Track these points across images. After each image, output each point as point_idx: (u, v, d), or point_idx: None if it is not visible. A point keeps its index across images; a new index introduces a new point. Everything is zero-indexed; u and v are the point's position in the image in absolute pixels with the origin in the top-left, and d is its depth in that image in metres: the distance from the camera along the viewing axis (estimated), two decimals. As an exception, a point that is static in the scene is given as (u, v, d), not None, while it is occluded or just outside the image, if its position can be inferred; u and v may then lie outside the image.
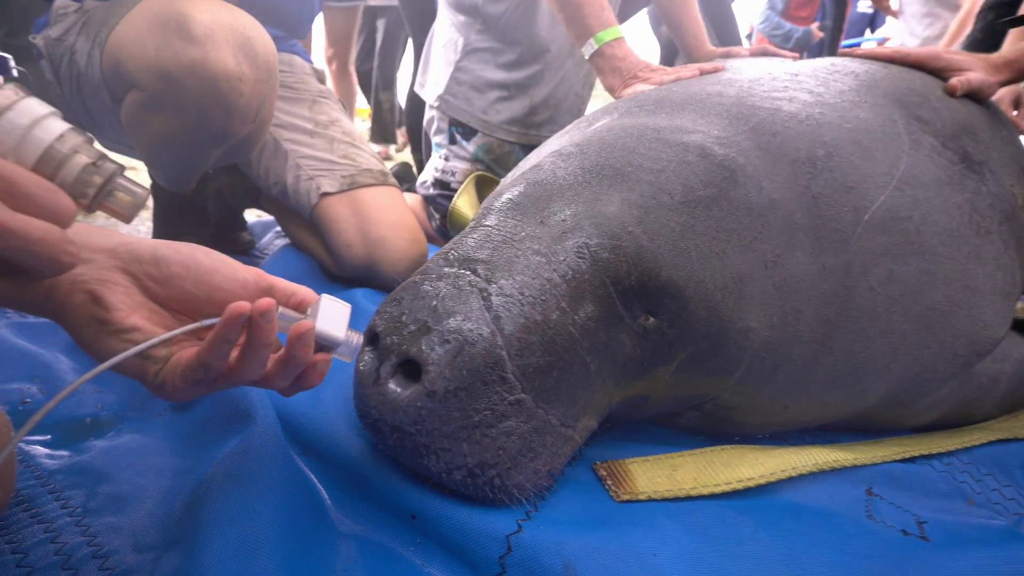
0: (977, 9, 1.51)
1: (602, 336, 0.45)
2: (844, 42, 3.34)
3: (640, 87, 0.79)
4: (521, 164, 0.67)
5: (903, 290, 0.52)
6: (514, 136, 1.15)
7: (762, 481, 0.50)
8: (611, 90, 0.86)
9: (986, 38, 1.38)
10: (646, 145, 0.52)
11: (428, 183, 1.19)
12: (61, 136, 0.30)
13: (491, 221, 0.48)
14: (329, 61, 2.22)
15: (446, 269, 0.44)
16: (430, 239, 1.22)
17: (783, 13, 3.16)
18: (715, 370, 0.50)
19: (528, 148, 1.18)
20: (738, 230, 0.49)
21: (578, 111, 1.25)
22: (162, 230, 0.96)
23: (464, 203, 0.82)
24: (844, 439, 0.61)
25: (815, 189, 0.53)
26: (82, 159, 0.30)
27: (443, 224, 1.19)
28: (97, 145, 0.32)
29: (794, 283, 0.50)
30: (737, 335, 0.48)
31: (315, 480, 0.48)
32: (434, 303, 0.42)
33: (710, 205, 0.48)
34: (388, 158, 2.89)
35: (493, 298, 0.42)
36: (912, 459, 0.56)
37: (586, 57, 0.88)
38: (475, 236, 0.47)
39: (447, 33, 1.17)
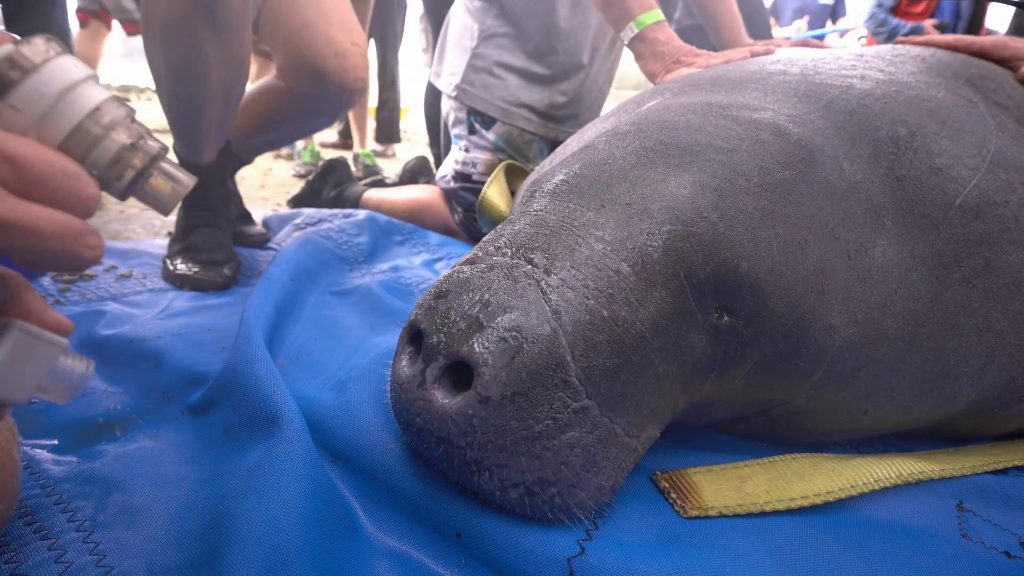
0: None
1: (672, 335, 0.40)
2: (805, 34, 3.24)
3: (685, 71, 0.74)
4: (561, 149, 0.63)
5: (1001, 283, 0.47)
6: (533, 126, 1.10)
7: (842, 495, 0.45)
8: (652, 76, 0.81)
9: None
10: (712, 123, 0.47)
11: (448, 176, 1.14)
12: (96, 109, 0.24)
13: (543, 205, 0.43)
14: None
15: (497, 258, 0.39)
16: (453, 233, 1.17)
17: (893, 9, 3.01)
18: (791, 373, 0.45)
19: (549, 141, 1.13)
20: (819, 216, 0.44)
21: (599, 108, 1.21)
22: (185, 222, 0.92)
23: (495, 192, 0.77)
24: (919, 447, 0.56)
25: (899, 171, 0.48)
26: (120, 138, 0.25)
27: (466, 218, 1.14)
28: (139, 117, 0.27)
29: (880, 275, 0.45)
30: (818, 334, 0.43)
31: (348, 492, 0.44)
32: (486, 296, 0.37)
33: (789, 189, 0.43)
34: (394, 157, 2.83)
35: (553, 291, 0.37)
36: (1004, 470, 0.51)
37: (625, 42, 0.83)
38: (526, 221, 0.42)
39: (462, 20, 1.12)
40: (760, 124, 0.46)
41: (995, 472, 0.50)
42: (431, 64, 1.27)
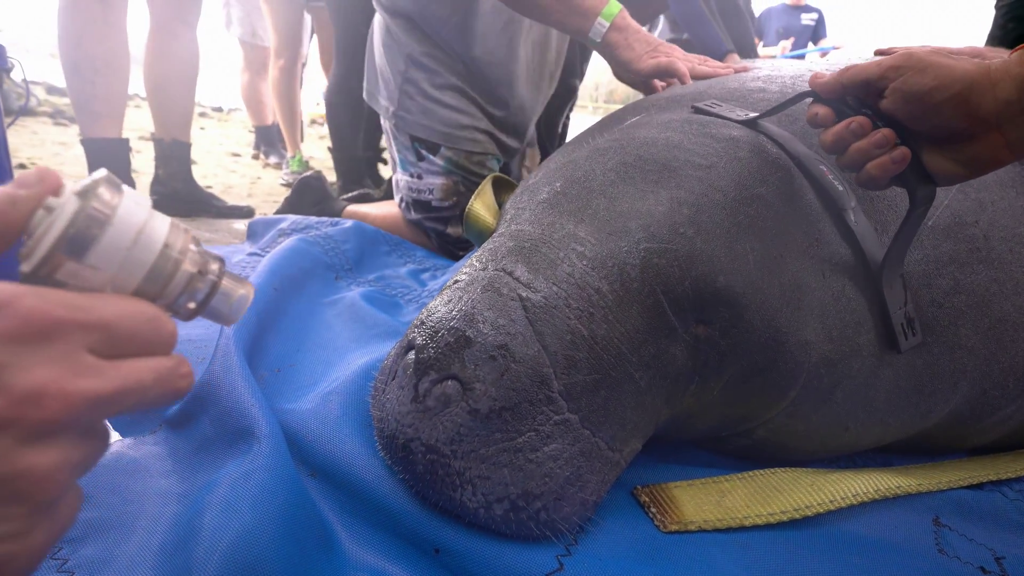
0: None
1: (651, 349, 0.40)
2: (788, 54, 3.32)
3: (664, 60, 0.75)
4: (546, 163, 0.63)
5: (971, 301, 0.48)
6: (481, 146, 1.05)
7: (821, 509, 0.45)
8: (632, 61, 0.79)
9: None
10: (691, 139, 0.48)
11: (406, 205, 1.09)
12: (165, 247, 0.23)
13: (526, 220, 0.44)
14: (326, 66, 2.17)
15: (481, 273, 0.40)
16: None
17: None
18: (768, 387, 0.45)
19: (504, 152, 1.09)
20: (795, 234, 0.45)
21: (536, 112, 1.16)
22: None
23: (481, 205, 0.77)
24: (898, 461, 0.57)
25: (873, 192, 0.49)
26: (187, 270, 0.24)
27: (441, 243, 1.10)
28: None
29: (853, 293, 0.46)
30: (794, 349, 0.44)
31: (326, 506, 0.43)
32: (475, 314, 0.37)
33: (766, 205, 0.44)
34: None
35: (538, 310, 0.37)
36: (980, 485, 0.51)
37: (597, 40, 0.82)
38: (510, 236, 0.42)
39: (386, 42, 1.05)
40: (738, 142, 0.47)
41: (970, 487, 0.51)
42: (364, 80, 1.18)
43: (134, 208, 0.23)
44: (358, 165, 1.84)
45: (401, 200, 1.12)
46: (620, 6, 0.82)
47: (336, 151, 1.82)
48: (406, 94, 1.04)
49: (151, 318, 0.23)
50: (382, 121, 1.14)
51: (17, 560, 0.19)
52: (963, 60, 0.39)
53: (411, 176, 1.08)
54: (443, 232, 1.09)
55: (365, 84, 1.16)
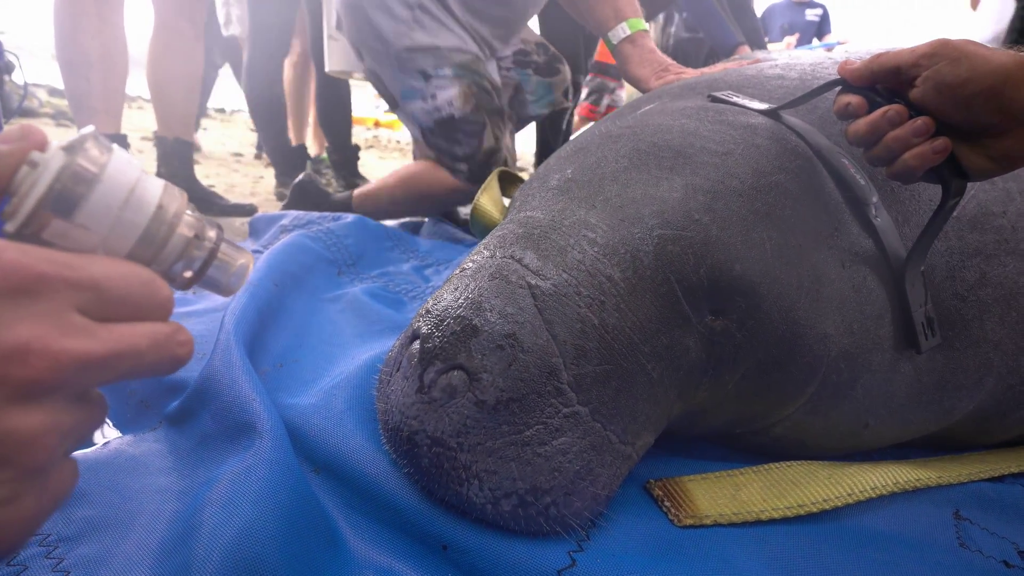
0: None
1: (664, 340, 0.39)
2: (794, 50, 3.31)
3: (672, 79, 0.74)
4: (557, 153, 0.62)
5: (998, 294, 0.47)
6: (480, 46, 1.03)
7: (839, 503, 0.44)
8: (641, 80, 0.80)
9: None
10: (707, 126, 0.46)
11: (431, 130, 1.05)
12: (159, 209, 0.23)
13: (535, 207, 0.43)
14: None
15: (489, 260, 0.38)
16: (453, 195, 1.12)
17: None
18: (785, 382, 0.44)
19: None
20: (814, 223, 0.43)
21: None
22: None
23: (487, 200, 0.76)
24: (916, 454, 0.55)
25: (895, 182, 0.47)
26: (184, 234, 0.24)
27: (471, 169, 1.06)
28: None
29: (874, 284, 0.44)
30: (813, 342, 0.42)
31: (331, 503, 0.42)
32: (482, 302, 0.36)
33: (784, 193, 0.43)
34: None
35: (547, 298, 0.36)
36: (1000, 478, 0.50)
37: (614, 43, 0.83)
38: (519, 223, 0.41)
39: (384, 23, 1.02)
40: (756, 129, 0.46)
41: (991, 480, 0.50)
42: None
43: (124, 167, 0.22)
44: (293, 154, 1.80)
45: (421, 133, 1.08)
46: (646, 25, 0.84)
47: (270, 139, 1.77)
48: (419, 24, 1.01)
49: (145, 281, 0.22)
50: (369, 71, 1.09)
51: (6, 528, 0.19)
52: (999, 52, 0.37)
53: (423, 100, 1.05)
54: (477, 147, 1.05)
55: (371, 66, 1.11)
